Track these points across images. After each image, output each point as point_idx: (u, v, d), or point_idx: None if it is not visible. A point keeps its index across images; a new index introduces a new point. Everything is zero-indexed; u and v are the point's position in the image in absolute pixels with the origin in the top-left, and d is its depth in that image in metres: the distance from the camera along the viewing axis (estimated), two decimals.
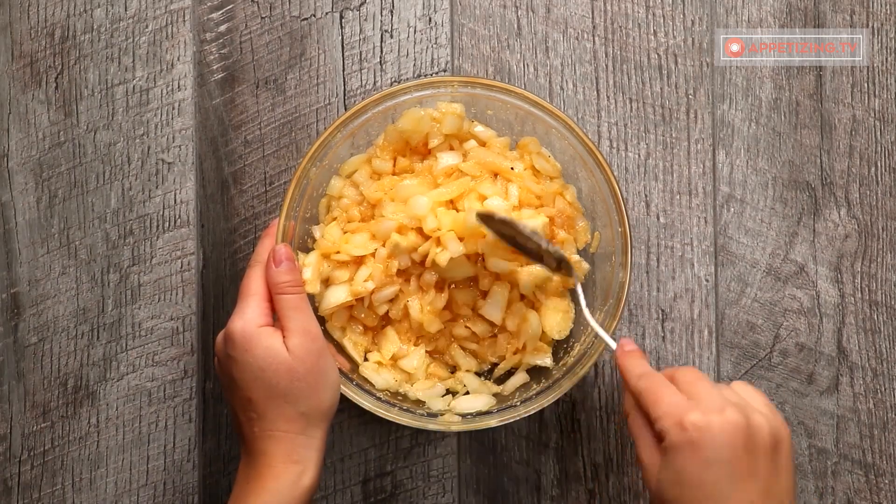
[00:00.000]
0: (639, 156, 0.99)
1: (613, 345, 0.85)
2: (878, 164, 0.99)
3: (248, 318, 0.84)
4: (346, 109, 0.98)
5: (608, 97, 0.99)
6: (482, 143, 0.94)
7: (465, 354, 0.94)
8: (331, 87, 0.99)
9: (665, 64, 0.99)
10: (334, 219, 0.93)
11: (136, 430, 0.98)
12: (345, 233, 0.92)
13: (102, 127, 0.98)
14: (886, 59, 1.00)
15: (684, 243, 0.99)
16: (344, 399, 0.87)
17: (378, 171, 0.94)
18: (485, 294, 0.92)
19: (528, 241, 0.86)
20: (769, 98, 0.99)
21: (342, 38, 0.99)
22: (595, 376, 0.98)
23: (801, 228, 0.99)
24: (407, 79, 0.99)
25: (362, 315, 0.93)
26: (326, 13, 0.99)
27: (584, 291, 0.89)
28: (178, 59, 0.98)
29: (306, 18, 0.99)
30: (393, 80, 0.99)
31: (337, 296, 0.91)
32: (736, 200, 0.99)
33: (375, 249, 0.91)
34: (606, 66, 0.99)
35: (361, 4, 0.99)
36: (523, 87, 0.98)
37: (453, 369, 0.95)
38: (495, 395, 0.93)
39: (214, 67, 0.98)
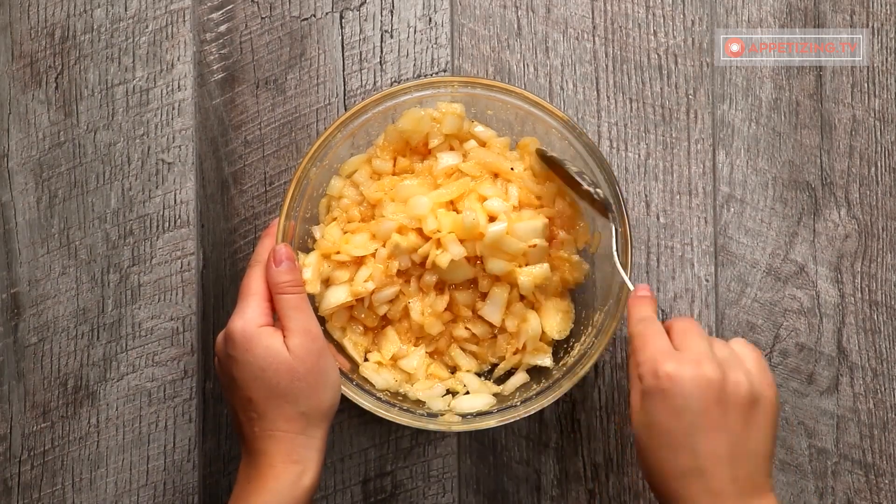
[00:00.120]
0: (639, 156, 0.99)
1: (633, 288, 0.87)
2: (878, 164, 0.99)
3: (249, 317, 0.84)
4: (346, 109, 0.98)
5: (608, 97, 0.99)
6: (482, 144, 0.94)
7: (465, 355, 0.94)
8: (331, 87, 0.99)
9: (665, 64, 0.99)
10: (334, 219, 0.93)
11: (136, 430, 0.98)
12: (345, 233, 0.92)
13: (102, 127, 0.98)
14: (886, 59, 1.00)
15: (684, 243, 0.99)
16: (344, 399, 0.87)
17: (378, 171, 0.94)
18: (484, 296, 0.92)
19: (578, 183, 0.88)
20: (769, 98, 0.99)
21: (342, 38, 0.99)
22: (595, 376, 0.98)
23: (801, 228, 0.99)
24: (407, 79, 0.99)
25: (362, 315, 0.93)
26: (326, 13, 0.99)
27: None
28: (178, 59, 0.98)
29: (306, 18, 0.99)
30: (393, 80, 0.99)
31: (337, 296, 0.91)
32: (736, 200, 0.99)
33: (375, 250, 0.91)
34: (606, 66, 0.99)
35: (361, 4, 0.99)
36: (523, 87, 0.98)
37: (453, 369, 0.95)
38: (495, 395, 0.93)
39: (214, 67, 0.98)
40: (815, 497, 0.98)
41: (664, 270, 0.99)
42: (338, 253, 0.91)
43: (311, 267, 0.90)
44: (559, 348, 0.94)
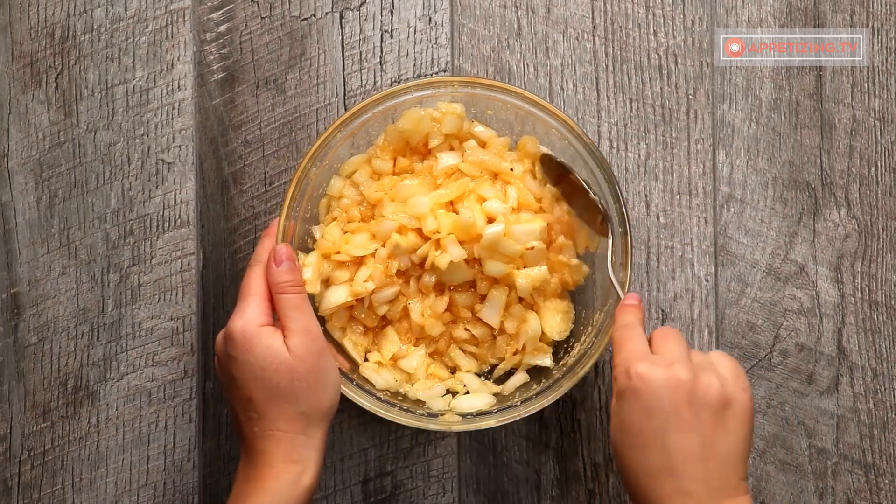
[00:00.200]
0: (639, 156, 0.99)
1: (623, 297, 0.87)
2: (878, 164, 0.99)
3: (249, 317, 0.84)
4: (346, 109, 0.98)
5: (608, 97, 0.99)
6: (482, 144, 0.94)
7: (465, 356, 0.94)
8: (331, 87, 0.99)
9: (665, 64, 0.99)
10: (334, 219, 0.93)
11: (136, 430, 0.98)
12: (345, 233, 0.92)
13: (102, 127, 0.98)
14: (886, 59, 1.00)
15: (684, 243, 0.99)
16: (344, 399, 0.87)
17: (378, 171, 0.94)
18: (483, 297, 0.92)
19: (581, 191, 0.90)
20: (769, 98, 0.99)
21: (342, 38, 0.99)
22: (595, 376, 0.98)
23: (801, 228, 0.99)
24: (407, 79, 0.99)
25: (362, 315, 0.93)
26: (326, 13, 0.99)
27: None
28: (178, 59, 0.98)
29: (306, 18, 0.99)
30: (393, 80, 0.99)
31: (337, 296, 0.91)
32: (736, 200, 0.99)
33: (375, 250, 0.91)
34: (606, 66, 0.99)
35: (361, 4, 0.99)
36: (523, 87, 0.98)
37: (453, 370, 0.95)
38: (495, 395, 0.93)
39: (214, 67, 0.98)
40: (815, 497, 0.98)
41: (664, 270, 0.99)
42: (338, 253, 0.91)
43: (311, 267, 0.90)
44: (559, 348, 0.94)
